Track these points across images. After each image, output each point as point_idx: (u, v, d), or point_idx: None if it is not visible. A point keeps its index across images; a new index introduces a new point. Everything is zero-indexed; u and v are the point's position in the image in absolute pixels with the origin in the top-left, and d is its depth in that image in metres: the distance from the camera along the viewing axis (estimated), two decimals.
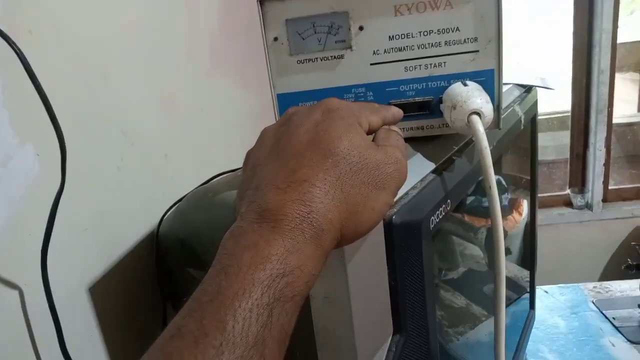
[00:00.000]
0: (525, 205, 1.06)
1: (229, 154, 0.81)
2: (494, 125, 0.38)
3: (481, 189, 0.70)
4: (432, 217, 0.33)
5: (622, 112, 2.61)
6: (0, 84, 0.39)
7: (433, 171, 0.36)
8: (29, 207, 0.41)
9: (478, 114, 0.34)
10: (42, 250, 0.41)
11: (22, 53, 0.37)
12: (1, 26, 0.37)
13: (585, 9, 1.87)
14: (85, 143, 0.48)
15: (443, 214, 0.35)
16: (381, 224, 0.29)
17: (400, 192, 0.32)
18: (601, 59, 1.88)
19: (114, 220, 0.51)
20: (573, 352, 0.99)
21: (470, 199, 0.71)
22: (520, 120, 0.59)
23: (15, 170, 0.41)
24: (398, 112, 0.36)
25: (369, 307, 0.30)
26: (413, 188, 0.33)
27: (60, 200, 0.42)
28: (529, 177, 0.97)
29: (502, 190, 1.03)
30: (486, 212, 0.37)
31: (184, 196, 0.51)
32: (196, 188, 0.51)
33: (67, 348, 0.43)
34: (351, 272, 0.28)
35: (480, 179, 0.51)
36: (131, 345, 0.53)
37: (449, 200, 0.36)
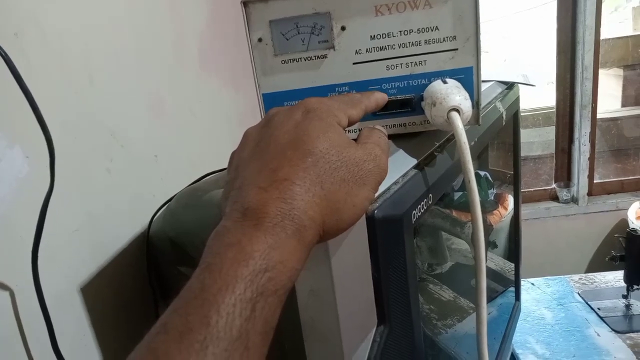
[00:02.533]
0: (510, 199, 1.08)
1: (218, 154, 0.82)
2: (474, 121, 0.39)
3: None
4: (414, 211, 0.34)
5: (607, 107, 2.66)
6: None
7: (415, 167, 0.37)
8: (19, 209, 0.42)
9: (457, 110, 0.36)
10: (32, 251, 0.41)
11: (7, 56, 0.37)
12: None
13: (568, 5, 1.90)
14: (74, 145, 0.48)
15: (425, 208, 0.36)
16: (364, 218, 0.30)
17: (382, 187, 0.33)
18: (585, 55, 1.91)
19: (104, 221, 0.52)
20: (559, 342, 1.01)
21: (458, 195, 0.73)
22: (502, 117, 0.60)
23: (4, 173, 0.41)
24: (382, 97, 0.37)
25: (353, 299, 0.31)
26: (395, 183, 0.34)
27: (50, 202, 0.42)
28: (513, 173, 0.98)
29: (488, 185, 1.05)
30: None
31: (174, 196, 0.51)
32: (185, 187, 0.52)
33: (59, 348, 0.43)
34: (335, 266, 0.29)
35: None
36: (124, 344, 0.53)
37: (430, 195, 0.37)
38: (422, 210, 0.35)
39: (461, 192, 0.72)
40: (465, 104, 0.36)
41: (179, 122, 0.71)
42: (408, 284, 0.32)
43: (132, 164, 0.57)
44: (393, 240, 0.32)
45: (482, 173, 0.99)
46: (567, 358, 0.96)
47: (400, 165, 0.36)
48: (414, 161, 0.37)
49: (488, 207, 1.11)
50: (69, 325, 0.47)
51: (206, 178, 0.54)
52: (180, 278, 0.49)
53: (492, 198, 1.10)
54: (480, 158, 0.91)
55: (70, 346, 0.46)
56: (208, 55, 0.82)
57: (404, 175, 0.35)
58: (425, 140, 0.41)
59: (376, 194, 0.31)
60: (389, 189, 0.33)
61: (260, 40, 0.40)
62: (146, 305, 0.56)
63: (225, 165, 0.56)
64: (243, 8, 0.38)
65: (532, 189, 2.17)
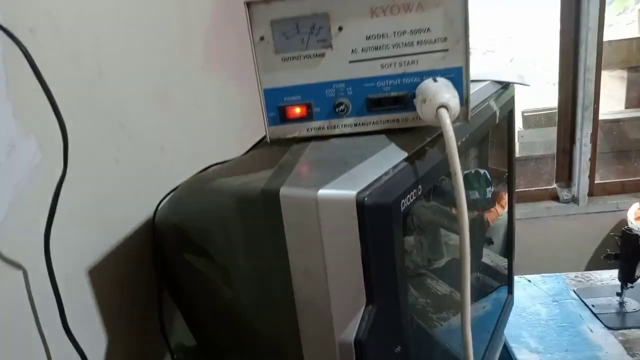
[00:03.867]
0: (507, 198, 1.10)
1: (222, 147, 0.85)
2: (462, 118, 0.42)
3: (467, 182, 0.73)
4: (403, 200, 0.36)
5: (610, 109, 2.67)
6: (4, 79, 0.42)
7: (406, 159, 0.40)
8: (32, 194, 0.44)
9: (445, 107, 0.38)
10: (45, 234, 0.44)
11: (27, 50, 0.39)
12: (4, 24, 0.40)
13: (572, 7, 1.91)
14: (83, 135, 0.51)
15: (414, 198, 0.38)
16: (355, 204, 0.32)
17: (374, 177, 0.35)
18: (587, 57, 1.92)
19: (112, 208, 0.54)
20: (553, 337, 1.03)
21: None
22: (496, 115, 0.62)
23: (18, 160, 0.44)
24: None
25: (343, 279, 0.33)
26: (386, 174, 0.36)
27: (62, 188, 0.45)
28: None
29: (487, 183, 1.07)
30: (473, 204, 0.41)
31: (179, 185, 0.54)
32: (190, 177, 0.54)
33: (69, 327, 0.46)
34: (327, 248, 0.32)
35: (466, 172, 0.55)
36: (129, 326, 0.56)
37: (420, 186, 0.39)
38: (411, 200, 0.38)
39: None
40: (454, 102, 0.39)
41: (185, 115, 0.73)
42: (395, 268, 0.35)
43: (139, 154, 0.60)
44: (381, 227, 0.34)
45: (481, 171, 1.01)
46: (559, 352, 0.98)
47: (392, 157, 0.39)
48: (405, 154, 0.40)
49: (486, 204, 1.13)
50: (78, 306, 0.49)
51: (210, 168, 0.56)
52: (184, 264, 0.52)
53: (490, 196, 1.12)
54: (480, 156, 0.93)
55: (79, 325, 0.48)
56: (213, 50, 0.85)
57: (394, 167, 0.38)
58: (417, 136, 0.43)
59: (367, 183, 0.34)
60: (379, 178, 0.35)
61: (262, 38, 0.42)
62: (151, 289, 0.59)
63: (229, 157, 0.59)
64: (246, 8, 0.41)
65: (533, 188, 2.18)
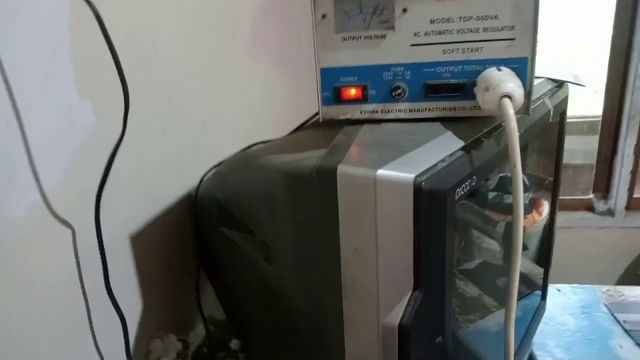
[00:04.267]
0: (545, 205, 1.07)
1: (261, 130, 0.85)
2: (524, 110, 0.41)
3: (504, 185, 0.72)
4: (458, 189, 0.35)
5: None
6: (69, 42, 0.43)
7: (462, 148, 0.39)
8: (86, 156, 0.45)
9: (509, 97, 0.37)
10: (96, 196, 0.45)
11: (98, 13, 0.40)
12: None
13: (628, 10, 1.84)
14: (135, 106, 0.51)
15: (468, 188, 0.37)
16: (411, 187, 0.32)
17: (430, 163, 0.34)
18: (639, 64, 1.84)
19: (157, 178, 0.55)
20: (580, 349, 1.00)
21: (492, 195, 0.73)
22: (550, 113, 0.60)
23: (75, 122, 0.45)
24: None
25: (393, 262, 0.33)
26: (442, 161, 0.36)
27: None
28: (551, 179, 0.98)
29: (524, 189, 1.04)
30: (507, 208, 0.39)
31: (223, 160, 0.54)
32: (234, 154, 0.55)
33: (111, 287, 0.47)
34: (381, 228, 0.31)
35: (502, 175, 0.54)
36: (166, 292, 0.57)
37: (474, 177, 0.38)
38: (465, 190, 0.37)
39: (495, 193, 0.72)
40: (518, 92, 0.37)
41: (229, 97, 0.74)
42: (445, 256, 0.34)
43: (184, 130, 0.61)
44: (436, 213, 0.33)
45: None
46: None
47: (449, 145, 0.38)
48: (462, 143, 0.39)
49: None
50: (119, 269, 0.51)
51: (254, 147, 0.56)
52: (223, 238, 0.52)
53: (527, 202, 1.09)
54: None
55: (120, 287, 0.50)
56: (260, 37, 0.85)
57: (451, 155, 0.37)
58: (474, 126, 0.42)
59: (424, 168, 0.33)
60: (436, 165, 0.35)
61: (324, 16, 0.42)
62: (189, 259, 0.60)
63: (269, 138, 0.59)
64: None
65: (568, 197, 2.12)
